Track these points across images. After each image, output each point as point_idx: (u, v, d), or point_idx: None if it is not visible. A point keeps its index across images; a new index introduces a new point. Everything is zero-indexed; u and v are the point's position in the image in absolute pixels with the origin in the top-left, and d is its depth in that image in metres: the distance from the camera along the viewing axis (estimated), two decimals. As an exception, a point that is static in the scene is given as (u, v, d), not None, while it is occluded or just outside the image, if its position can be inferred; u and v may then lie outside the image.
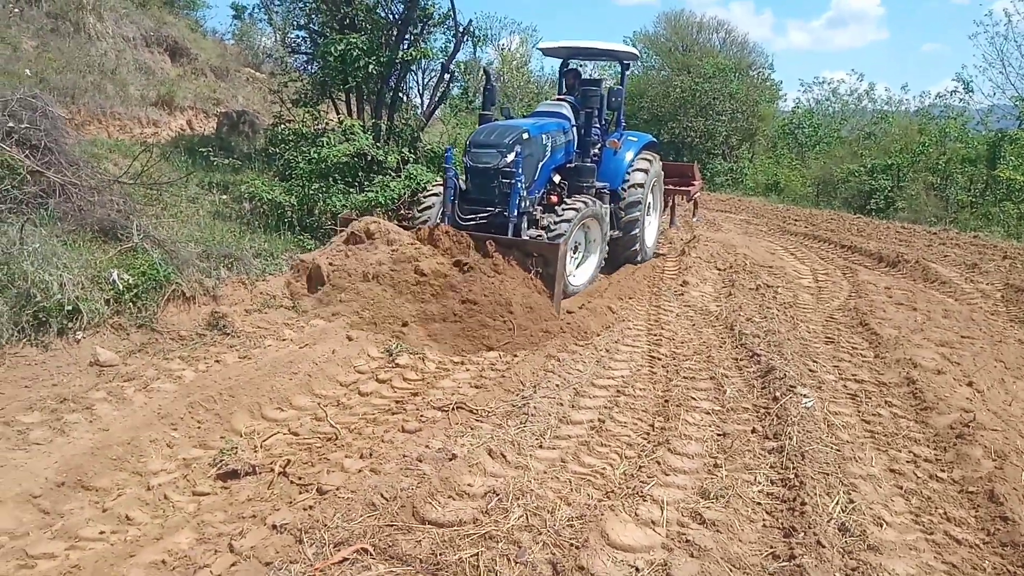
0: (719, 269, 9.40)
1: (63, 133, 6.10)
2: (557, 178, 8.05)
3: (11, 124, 5.65)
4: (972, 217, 17.00)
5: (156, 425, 3.96)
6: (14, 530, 3.07)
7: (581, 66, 10.03)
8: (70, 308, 4.69)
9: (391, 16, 9.11)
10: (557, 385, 4.92)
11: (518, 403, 4.54)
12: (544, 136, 7.55)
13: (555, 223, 6.96)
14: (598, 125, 8.78)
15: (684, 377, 5.24)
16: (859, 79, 43.37)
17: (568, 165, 8.21)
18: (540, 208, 7.55)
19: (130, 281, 5.10)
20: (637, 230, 8.79)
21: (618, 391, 4.92)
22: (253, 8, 18.93)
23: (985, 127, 21.02)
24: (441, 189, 7.27)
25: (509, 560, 2.85)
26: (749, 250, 11.13)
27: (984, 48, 38.89)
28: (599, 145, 8.77)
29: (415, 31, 9.17)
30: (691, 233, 12.21)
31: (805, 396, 4.72)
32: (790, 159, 26.54)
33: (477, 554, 2.85)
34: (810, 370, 5.41)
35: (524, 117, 8.74)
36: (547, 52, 9.57)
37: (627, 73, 9.25)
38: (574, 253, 7.49)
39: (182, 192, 6.93)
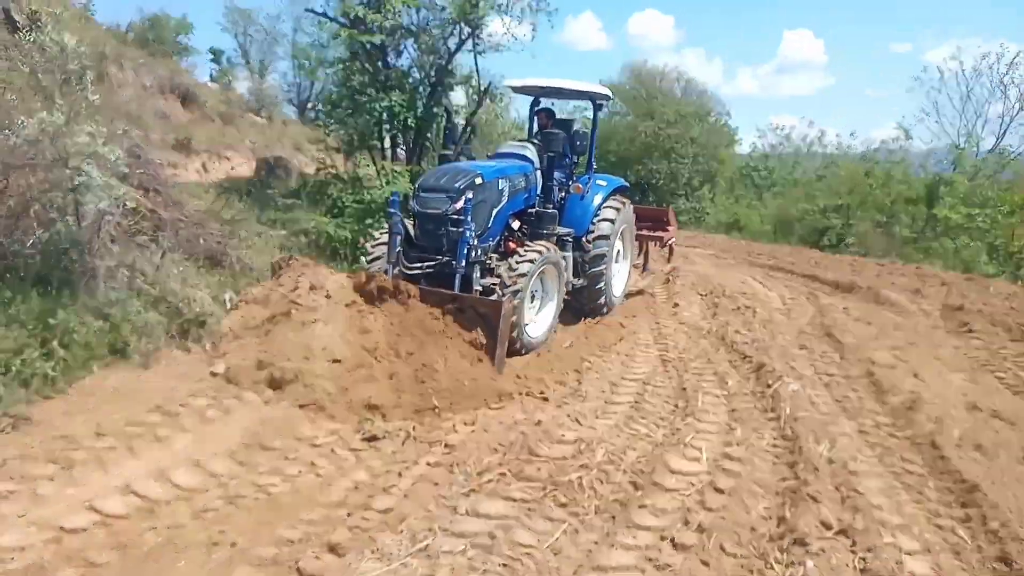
0: (701, 295, 10.75)
1: (162, 177, 7.19)
2: (516, 224, 7.53)
3: (126, 170, 6.71)
4: (915, 251, 18.81)
5: (295, 407, 5.03)
6: (228, 473, 4.12)
7: (553, 105, 9.31)
8: (202, 320, 5.76)
9: (423, 77, 10.46)
10: (596, 378, 6.17)
11: (570, 391, 5.76)
12: (501, 180, 7.05)
13: (510, 277, 6.40)
14: (564, 169, 8.44)
15: (693, 373, 6.52)
16: (809, 125, 46.55)
17: (530, 210, 7.70)
18: (496, 256, 7.03)
19: (238, 300, 6.19)
20: (602, 283, 8.20)
21: (644, 383, 6.18)
22: (230, 54, 20.18)
23: (924, 170, 23.18)
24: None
25: (602, 481, 4.04)
26: (723, 280, 12.53)
27: (921, 101, 42.24)
28: (565, 190, 8.34)
29: (442, 89, 10.50)
30: (670, 265, 13.28)
31: (791, 383, 6.02)
32: (748, 199, 28.47)
33: (581, 476, 4.03)
34: (791, 367, 6.73)
35: (487, 159, 8.37)
36: (516, 90, 9.21)
37: (599, 114, 8.96)
38: (531, 303, 6.95)
39: (250, 227, 8.03)
